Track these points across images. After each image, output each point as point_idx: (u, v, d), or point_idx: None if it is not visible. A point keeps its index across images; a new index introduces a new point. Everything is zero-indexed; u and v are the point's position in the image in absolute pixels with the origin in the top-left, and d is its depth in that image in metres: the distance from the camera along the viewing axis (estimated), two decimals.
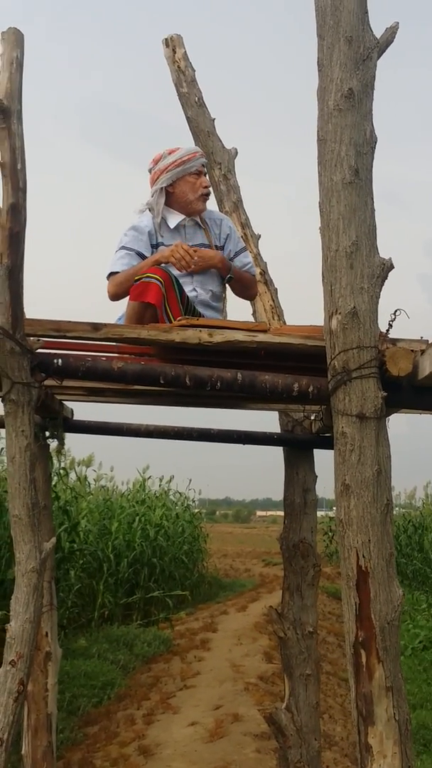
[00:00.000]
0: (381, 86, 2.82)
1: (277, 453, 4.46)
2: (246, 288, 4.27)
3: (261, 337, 2.96)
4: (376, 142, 2.76)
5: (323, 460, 4.38)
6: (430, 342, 2.87)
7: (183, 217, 4.12)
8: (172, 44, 4.95)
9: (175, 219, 4.12)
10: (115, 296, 3.98)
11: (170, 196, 4.13)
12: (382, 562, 2.68)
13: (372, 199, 2.75)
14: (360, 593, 2.68)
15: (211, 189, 4.18)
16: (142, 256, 4.01)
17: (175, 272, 3.82)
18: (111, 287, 3.98)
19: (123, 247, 4.04)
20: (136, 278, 3.74)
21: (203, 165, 4.17)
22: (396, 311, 2.83)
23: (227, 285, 4.18)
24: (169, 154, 4.11)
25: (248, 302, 4.67)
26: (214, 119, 4.88)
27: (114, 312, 3.98)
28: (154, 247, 4.07)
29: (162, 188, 4.12)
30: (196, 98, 4.86)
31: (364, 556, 2.68)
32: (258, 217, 4.91)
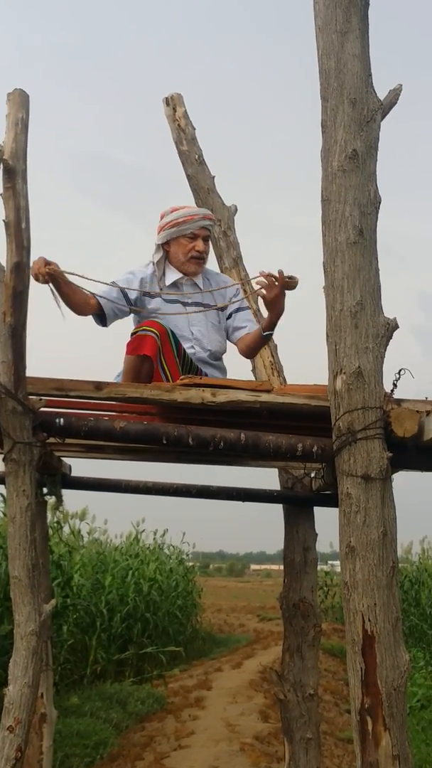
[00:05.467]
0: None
1: (271, 506, 4.41)
2: (257, 349, 4.29)
3: (264, 397, 2.94)
4: (380, 203, 2.78)
5: (321, 515, 4.34)
6: None
7: (180, 275, 4.15)
8: (173, 103, 5.00)
9: (172, 276, 4.16)
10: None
11: (167, 254, 4.17)
12: (388, 626, 2.64)
13: (376, 258, 2.75)
14: (366, 658, 2.63)
15: (206, 253, 4.18)
16: (125, 294, 4.03)
17: (174, 329, 3.83)
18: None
19: (113, 282, 4.05)
20: (132, 332, 3.75)
21: (204, 227, 4.15)
22: (400, 371, 2.82)
23: (233, 343, 4.19)
24: (172, 212, 4.14)
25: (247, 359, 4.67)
26: (214, 176, 4.91)
27: (109, 365, 3.96)
28: (143, 294, 4.06)
29: (158, 245, 4.17)
30: (196, 156, 4.90)
31: (369, 620, 2.64)
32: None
